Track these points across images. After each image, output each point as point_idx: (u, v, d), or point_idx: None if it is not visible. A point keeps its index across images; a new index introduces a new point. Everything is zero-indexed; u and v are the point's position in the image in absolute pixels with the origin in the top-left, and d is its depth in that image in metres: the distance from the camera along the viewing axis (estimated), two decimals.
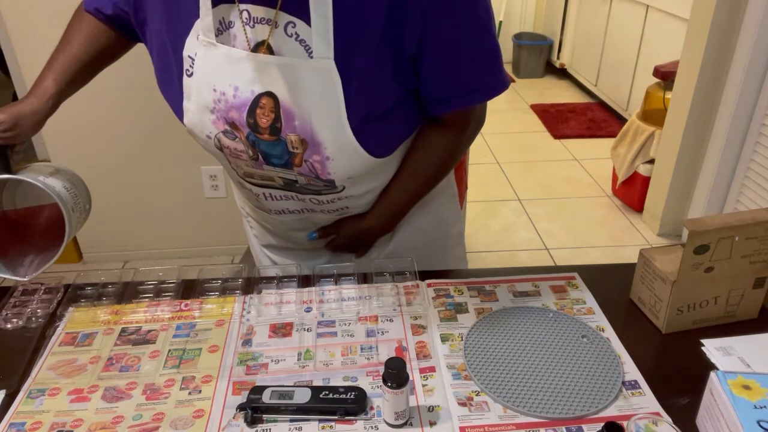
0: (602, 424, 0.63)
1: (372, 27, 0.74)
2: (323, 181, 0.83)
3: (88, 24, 0.92)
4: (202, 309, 0.92)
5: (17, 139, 0.83)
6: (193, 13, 0.77)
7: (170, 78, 0.84)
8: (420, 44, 0.76)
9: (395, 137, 0.86)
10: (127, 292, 0.94)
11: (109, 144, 2.30)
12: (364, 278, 0.97)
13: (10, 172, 0.82)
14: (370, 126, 0.79)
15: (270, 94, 0.76)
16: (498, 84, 0.83)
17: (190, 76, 0.80)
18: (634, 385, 0.77)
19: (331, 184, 0.85)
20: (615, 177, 2.95)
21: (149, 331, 0.87)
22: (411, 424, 0.72)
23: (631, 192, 2.85)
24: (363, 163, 0.82)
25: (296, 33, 0.74)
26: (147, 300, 0.93)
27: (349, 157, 0.80)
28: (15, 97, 2.89)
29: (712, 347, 0.83)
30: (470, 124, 0.90)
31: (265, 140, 0.80)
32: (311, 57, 0.74)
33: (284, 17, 0.74)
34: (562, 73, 4.79)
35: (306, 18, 0.73)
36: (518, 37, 4.88)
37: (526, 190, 3.09)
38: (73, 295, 0.94)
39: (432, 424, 0.72)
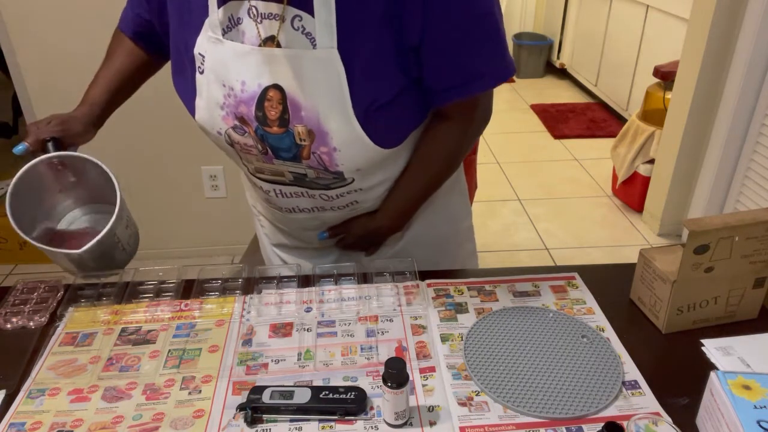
0: (602, 424, 0.63)
1: (372, 13, 0.74)
2: (332, 173, 0.84)
3: (126, 41, 1.01)
4: (202, 309, 0.92)
5: (66, 134, 0.90)
6: (204, 11, 0.79)
7: (184, 77, 0.86)
8: (422, 31, 0.76)
9: (401, 128, 0.86)
10: (127, 292, 0.94)
11: (109, 144, 2.28)
12: (364, 278, 0.97)
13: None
14: (375, 115, 0.79)
15: (276, 87, 0.77)
16: (502, 70, 0.82)
17: (201, 73, 0.82)
18: (634, 385, 0.77)
19: (339, 177, 0.85)
20: (615, 177, 2.95)
21: (149, 331, 0.87)
22: (411, 424, 0.71)
23: (631, 192, 2.85)
24: (370, 155, 0.82)
25: (302, 26, 0.75)
26: (147, 300, 0.93)
27: (356, 148, 0.80)
28: (15, 98, 2.89)
29: (712, 347, 0.83)
30: (476, 117, 0.89)
31: (273, 134, 0.80)
32: (315, 47, 0.75)
33: (291, 11, 0.75)
34: (562, 73, 4.79)
35: (311, 10, 0.74)
36: (518, 37, 4.88)
37: (526, 190, 3.09)
38: (73, 295, 0.94)
39: (432, 424, 0.72)
